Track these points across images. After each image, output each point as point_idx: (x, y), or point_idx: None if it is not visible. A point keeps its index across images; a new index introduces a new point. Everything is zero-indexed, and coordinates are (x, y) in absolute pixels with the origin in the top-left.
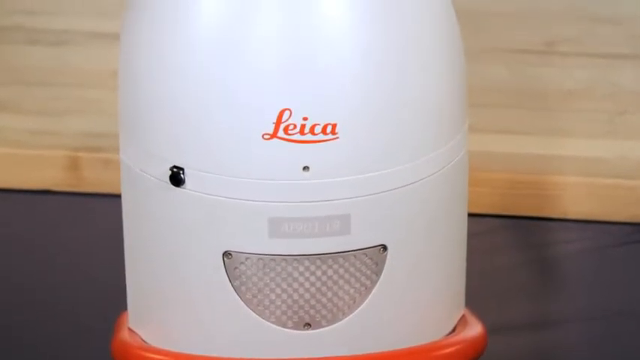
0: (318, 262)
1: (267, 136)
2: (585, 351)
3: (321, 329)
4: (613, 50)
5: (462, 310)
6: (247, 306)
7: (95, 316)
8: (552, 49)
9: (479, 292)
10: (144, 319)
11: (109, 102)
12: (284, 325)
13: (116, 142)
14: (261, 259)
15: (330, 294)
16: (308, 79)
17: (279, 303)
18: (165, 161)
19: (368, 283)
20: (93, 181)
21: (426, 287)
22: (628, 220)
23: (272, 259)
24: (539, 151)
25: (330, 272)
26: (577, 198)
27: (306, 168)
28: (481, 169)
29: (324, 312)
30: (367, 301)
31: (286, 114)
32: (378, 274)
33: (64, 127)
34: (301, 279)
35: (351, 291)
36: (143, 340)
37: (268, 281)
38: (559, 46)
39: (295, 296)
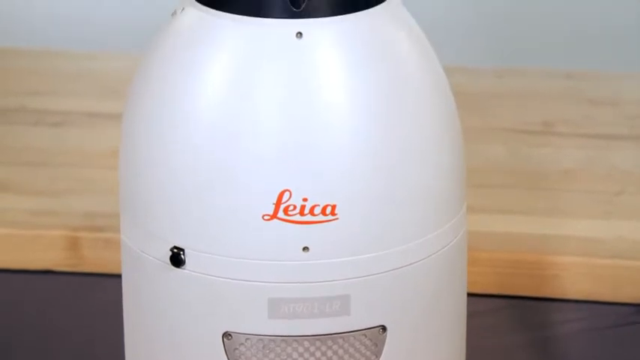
0: (318, 343)
1: (267, 217)
2: None
3: None
4: (610, 131)
5: None
6: None
7: None
8: (550, 129)
9: None
10: None
11: (109, 182)
12: None
13: (117, 221)
14: (261, 339)
15: None
16: (308, 161)
17: None
18: (165, 242)
19: None
20: (93, 261)
21: None
22: (627, 300)
23: (272, 340)
24: (538, 230)
25: (329, 353)
26: (576, 278)
27: (305, 249)
28: (479, 248)
29: None
30: None
31: (286, 195)
32: (377, 354)
33: (64, 207)
34: None
35: None
36: None
37: None
38: (557, 126)
39: None
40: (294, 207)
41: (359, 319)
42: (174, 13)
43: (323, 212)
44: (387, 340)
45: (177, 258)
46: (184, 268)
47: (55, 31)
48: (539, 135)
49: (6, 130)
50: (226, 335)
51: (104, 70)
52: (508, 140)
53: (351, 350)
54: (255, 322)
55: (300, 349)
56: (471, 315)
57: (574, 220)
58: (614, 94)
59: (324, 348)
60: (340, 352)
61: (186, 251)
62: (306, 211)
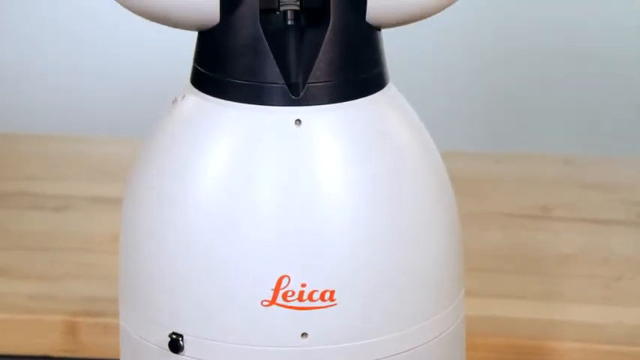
0: None
1: (265, 303)
2: None
3: None
4: (609, 216)
5: None
6: None
7: None
8: (548, 214)
9: None
10: None
11: (108, 267)
12: None
13: (116, 307)
14: None
15: None
16: (307, 247)
17: None
18: (164, 328)
19: None
20: (92, 346)
21: None
22: None
23: None
24: (536, 315)
25: None
26: None
27: (304, 334)
28: (478, 333)
29: None
30: None
31: (285, 281)
32: None
33: (63, 292)
34: None
35: None
36: None
37: None
38: (555, 211)
39: None
40: (293, 293)
41: None
42: (174, 101)
43: (322, 298)
44: None
45: (176, 344)
46: (183, 354)
47: (54, 116)
48: (538, 220)
49: (5, 214)
50: None
51: (103, 155)
52: (506, 225)
53: None
54: None
55: None
56: None
57: (573, 305)
58: (612, 179)
59: None
60: None
61: (185, 337)
62: (305, 296)
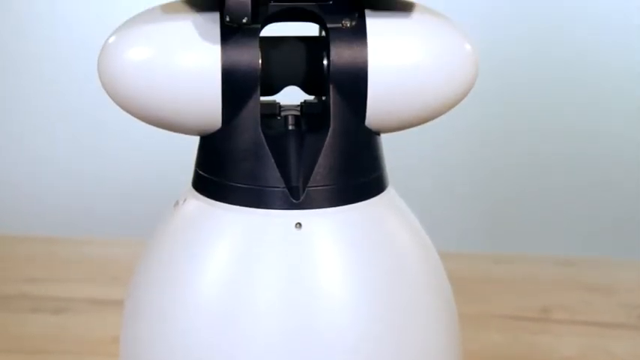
0: None
1: None
2: None
3: None
4: (608, 319)
5: None
6: None
7: None
8: (549, 316)
9: None
10: None
11: None
12: None
13: None
14: None
15: None
16: (308, 349)
17: None
18: None
19: None
20: None
21: None
22: None
23: None
24: None
25: None
26: None
27: None
28: None
29: None
30: None
31: None
32: None
33: None
34: None
35: None
36: None
37: None
38: (555, 313)
39: None
40: None
41: None
42: (176, 204)
43: None
44: None
45: None
46: None
47: (55, 217)
48: (537, 322)
49: (5, 317)
50: None
51: (104, 257)
52: (506, 327)
53: None
54: None
55: None
56: None
57: None
58: (613, 281)
59: None
60: None
61: None
62: None
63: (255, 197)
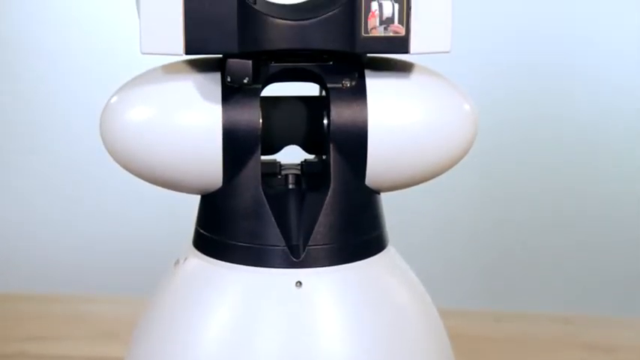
0: None
1: None
2: None
3: None
4: None
5: None
6: None
7: None
8: None
9: None
10: None
11: None
12: None
13: None
14: None
15: None
16: None
17: None
18: None
19: None
20: None
21: None
22: None
23: None
24: None
25: None
26: None
27: None
28: None
29: None
30: None
31: None
32: None
33: None
34: None
35: None
36: None
37: None
38: None
39: None
40: None
41: None
42: (176, 263)
43: None
44: None
45: None
46: None
47: (55, 275)
48: None
49: None
50: None
51: (103, 314)
52: None
53: None
54: None
55: None
56: None
57: None
58: (612, 340)
59: None
60: None
61: None
62: None
63: (255, 256)
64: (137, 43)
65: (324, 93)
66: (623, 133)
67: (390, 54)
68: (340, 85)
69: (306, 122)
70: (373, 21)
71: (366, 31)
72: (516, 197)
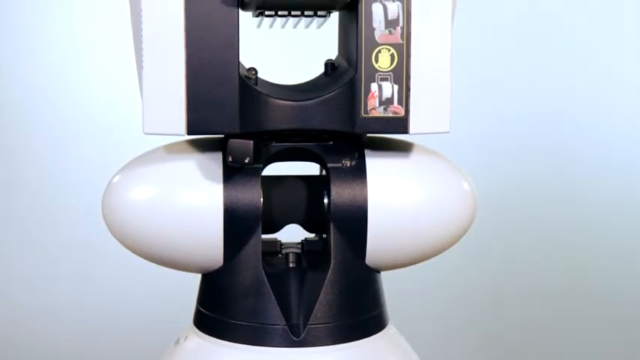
0: None
1: None
2: None
3: None
4: None
5: None
6: None
7: None
8: None
9: None
10: None
11: None
12: None
13: None
14: None
15: None
16: None
17: None
18: None
19: None
20: None
21: None
22: None
23: None
24: None
25: None
26: None
27: None
28: None
29: None
30: None
31: None
32: None
33: None
34: None
35: None
36: None
37: None
38: None
39: None
40: None
41: None
42: (177, 342)
43: None
44: None
45: None
46: None
47: (54, 353)
48: None
49: None
50: None
51: None
52: None
53: None
54: None
55: None
56: None
57: None
58: None
59: None
60: None
61: None
62: None
63: (256, 335)
64: (140, 123)
65: (324, 172)
66: (621, 210)
67: (389, 134)
68: (340, 165)
69: (306, 201)
70: (373, 102)
71: (366, 112)
72: (517, 274)
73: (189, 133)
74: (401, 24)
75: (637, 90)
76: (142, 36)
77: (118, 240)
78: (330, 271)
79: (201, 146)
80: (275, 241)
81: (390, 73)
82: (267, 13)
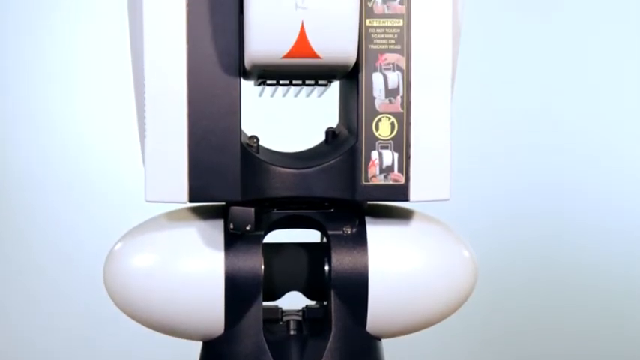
0: None
1: None
2: None
3: None
4: None
5: None
6: None
7: None
8: None
9: None
10: None
11: None
12: None
13: None
14: None
15: None
16: None
17: None
18: None
19: None
20: None
21: None
22: None
23: None
24: None
25: None
26: None
27: None
28: None
29: None
30: None
31: None
32: None
33: None
34: None
35: None
36: None
37: None
38: None
39: None
40: None
41: None
42: None
43: None
44: None
45: None
46: None
47: None
48: None
49: None
50: None
51: None
52: None
53: None
54: None
55: None
56: None
57: None
58: None
59: None
60: None
61: None
62: None
63: None
64: (142, 191)
65: (325, 239)
66: (626, 291)
67: (390, 202)
68: (341, 232)
69: (307, 269)
70: (373, 169)
71: (367, 180)
72: (518, 339)
73: (190, 200)
74: (401, 93)
75: None
76: (144, 105)
77: (119, 307)
78: (330, 339)
79: (203, 213)
80: (276, 309)
81: (391, 142)
82: (268, 82)
